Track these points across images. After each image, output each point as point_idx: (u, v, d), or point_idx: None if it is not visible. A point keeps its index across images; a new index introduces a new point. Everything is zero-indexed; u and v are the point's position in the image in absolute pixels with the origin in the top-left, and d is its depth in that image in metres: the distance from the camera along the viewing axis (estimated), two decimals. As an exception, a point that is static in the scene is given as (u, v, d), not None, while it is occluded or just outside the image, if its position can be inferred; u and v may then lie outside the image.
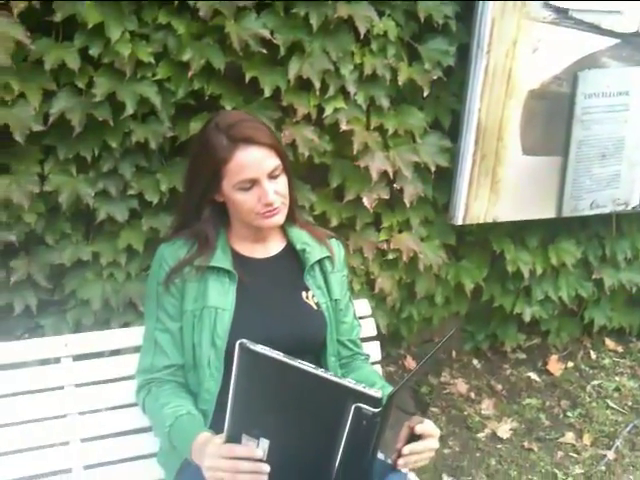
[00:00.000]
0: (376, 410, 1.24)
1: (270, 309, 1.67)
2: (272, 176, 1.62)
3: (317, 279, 1.75)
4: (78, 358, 1.76)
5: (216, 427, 1.54)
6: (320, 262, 1.77)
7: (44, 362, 1.76)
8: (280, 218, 1.66)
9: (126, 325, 2.37)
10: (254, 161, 1.59)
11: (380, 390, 1.27)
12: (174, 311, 1.67)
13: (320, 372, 1.26)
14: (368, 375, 1.77)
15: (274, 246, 1.77)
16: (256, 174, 1.60)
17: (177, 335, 1.67)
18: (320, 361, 1.74)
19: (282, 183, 1.65)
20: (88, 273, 2.35)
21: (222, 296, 1.65)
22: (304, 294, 1.72)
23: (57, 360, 1.74)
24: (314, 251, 1.76)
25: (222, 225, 1.72)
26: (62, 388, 1.72)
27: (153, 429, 1.73)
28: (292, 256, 1.77)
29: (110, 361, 1.79)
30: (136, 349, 1.79)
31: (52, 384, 1.72)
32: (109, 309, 2.36)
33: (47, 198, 2.21)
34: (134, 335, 1.81)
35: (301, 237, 1.78)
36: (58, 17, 2.04)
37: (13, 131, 2.05)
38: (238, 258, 1.71)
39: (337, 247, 1.84)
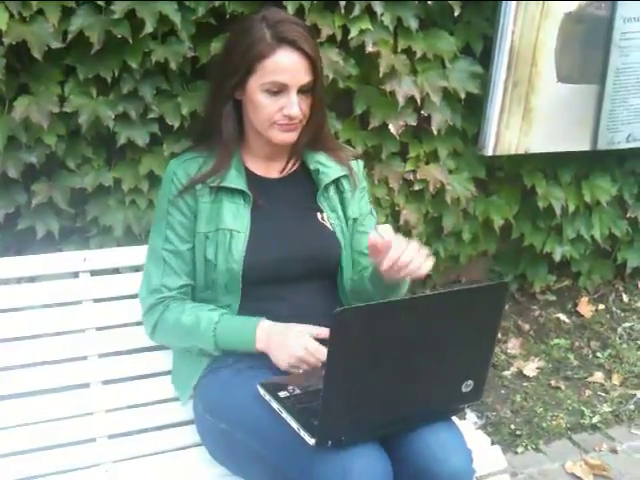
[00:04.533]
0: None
1: (285, 230, 1.63)
2: (302, 90, 1.56)
3: (332, 200, 1.70)
4: (96, 273, 1.73)
5: None
6: (336, 182, 1.71)
7: (62, 277, 1.74)
8: (293, 136, 1.61)
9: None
10: (292, 67, 1.53)
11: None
12: (184, 232, 1.62)
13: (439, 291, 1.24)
14: None
15: (288, 165, 1.71)
16: (290, 81, 1.53)
17: (187, 256, 1.63)
18: (336, 283, 1.70)
19: (307, 102, 1.59)
20: (110, 199, 2.32)
21: (237, 218, 1.60)
22: (319, 215, 1.68)
23: (75, 275, 1.72)
24: (329, 171, 1.69)
25: (236, 143, 1.66)
26: (80, 303, 1.70)
27: (177, 341, 1.66)
28: (307, 176, 1.71)
29: (128, 277, 1.76)
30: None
31: (70, 299, 1.70)
32: (131, 236, 2.33)
33: (67, 120, 2.17)
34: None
35: (316, 157, 1.71)
36: None
37: (31, 47, 2.02)
38: (252, 177, 1.65)
39: (356, 165, 1.77)
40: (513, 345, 2.97)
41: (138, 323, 1.71)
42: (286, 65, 1.52)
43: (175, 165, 1.65)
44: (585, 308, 3.24)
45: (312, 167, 1.69)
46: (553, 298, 3.29)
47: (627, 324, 3.16)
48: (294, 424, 1.29)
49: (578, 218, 3.05)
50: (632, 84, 2.72)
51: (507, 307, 3.21)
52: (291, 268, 1.61)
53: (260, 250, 1.58)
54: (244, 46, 1.54)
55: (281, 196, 1.67)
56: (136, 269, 1.79)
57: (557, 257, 3.09)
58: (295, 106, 1.54)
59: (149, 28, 2.10)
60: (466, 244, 2.94)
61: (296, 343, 1.46)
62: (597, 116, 2.73)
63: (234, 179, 1.61)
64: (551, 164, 2.91)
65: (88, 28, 2.08)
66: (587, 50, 2.60)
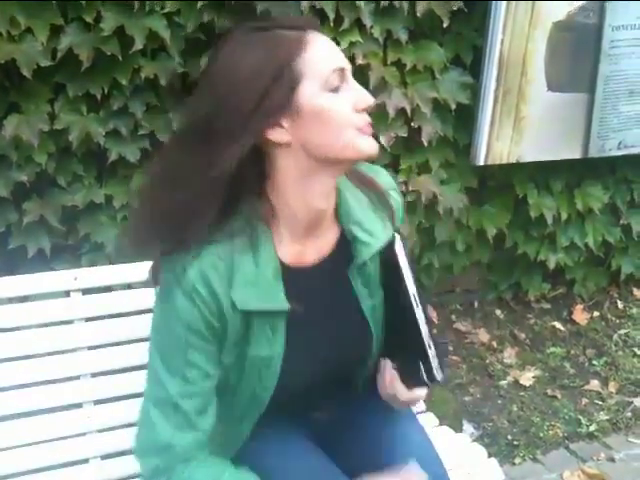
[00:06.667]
0: (428, 384, 1.23)
1: (321, 341, 1.27)
2: None
3: (366, 271, 1.27)
4: (87, 292, 1.72)
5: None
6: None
7: (53, 296, 1.73)
8: (375, 144, 1.17)
9: (140, 269, 2.33)
10: (333, 47, 1.14)
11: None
12: (211, 366, 1.20)
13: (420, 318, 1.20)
14: None
15: (327, 239, 1.25)
16: (344, 62, 1.13)
17: (211, 395, 1.23)
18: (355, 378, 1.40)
19: None
20: (102, 216, 2.31)
21: (272, 343, 1.20)
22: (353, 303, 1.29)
23: (67, 294, 1.70)
24: (371, 240, 1.24)
25: (264, 220, 1.17)
26: (71, 322, 1.69)
27: None
28: (345, 246, 1.26)
29: (120, 295, 1.75)
30: (146, 284, 1.74)
31: (61, 318, 1.68)
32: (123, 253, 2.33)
33: (58, 138, 2.17)
34: (145, 269, 1.76)
35: (352, 212, 1.24)
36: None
37: (20, 66, 2.03)
38: (286, 273, 1.19)
39: (396, 202, 1.34)
40: (509, 354, 2.96)
41: (131, 341, 1.69)
42: (328, 46, 1.13)
43: (195, 276, 1.13)
44: (580, 316, 3.24)
45: (351, 232, 1.24)
46: (548, 306, 3.29)
47: (622, 331, 3.16)
48: None
49: (571, 226, 3.05)
50: (622, 91, 2.72)
51: (503, 316, 3.21)
52: (321, 380, 1.29)
53: (296, 373, 1.24)
54: (264, 60, 1.08)
55: (317, 291, 1.24)
56: (128, 286, 1.78)
57: (551, 265, 3.09)
58: (367, 93, 1.13)
59: (139, 45, 2.11)
60: (460, 254, 2.94)
61: None
62: (588, 124, 2.73)
63: (268, 294, 1.17)
64: (543, 173, 2.91)
65: (77, 46, 2.09)
66: (576, 58, 2.61)
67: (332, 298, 1.27)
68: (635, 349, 3.02)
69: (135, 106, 2.21)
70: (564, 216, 2.97)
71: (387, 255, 1.23)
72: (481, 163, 2.65)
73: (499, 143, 2.62)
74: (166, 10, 2.13)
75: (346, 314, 1.29)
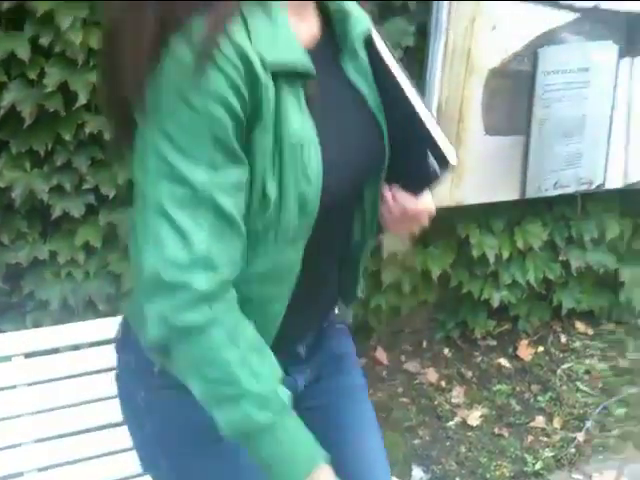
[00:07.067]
0: (439, 175, 1.16)
1: (347, 129, 1.12)
2: None
3: (359, 65, 1.15)
4: (30, 355, 1.70)
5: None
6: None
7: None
8: None
9: (86, 324, 2.31)
10: None
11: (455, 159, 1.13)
12: (239, 153, 0.98)
13: (420, 107, 1.14)
14: None
15: (313, 22, 1.12)
16: None
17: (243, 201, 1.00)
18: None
19: None
20: (46, 272, 2.30)
21: (304, 119, 1.02)
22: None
23: (7, 358, 1.68)
24: (353, 20, 1.14)
25: None
26: (14, 387, 1.66)
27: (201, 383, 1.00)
28: (331, 36, 1.15)
29: (65, 357, 1.73)
30: (93, 344, 1.73)
31: (3, 384, 1.66)
32: (68, 310, 2.31)
33: (1, 195, 2.16)
34: (90, 329, 1.75)
35: None
36: (5, 6, 2.00)
37: (-39, 124, 2.01)
38: None
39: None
40: (457, 393, 3.00)
41: (75, 405, 1.67)
42: None
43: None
44: (525, 351, 3.31)
45: (336, 10, 1.13)
46: (494, 343, 3.35)
47: (566, 365, 3.23)
48: None
49: (513, 264, 3.13)
50: (555, 133, 2.81)
51: (450, 355, 3.26)
52: (355, 183, 1.15)
53: (336, 165, 1.06)
54: None
55: (323, 80, 1.07)
56: (75, 347, 1.76)
57: (495, 303, 3.16)
58: None
59: (82, 100, 2.12)
60: (407, 295, 2.99)
61: None
62: (524, 166, 2.82)
63: (290, 47, 1.01)
64: (484, 213, 2.99)
65: (20, 102, 2.09)
66: (512, 103, 2.70)
67: (339, 89, 1.14)
68: (578, 383, 3.10)
69: (79, 161, 2.21)
70: (505, 254, 3.04)
71: (370, 51, 1.16)
72: (423, 207, 2.71)
73: (439, 187, 2.67)
74: (109, 66, 2.14)
75: (357, 108, 1.15)
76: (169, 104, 0.94)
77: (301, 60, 1.01)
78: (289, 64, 0.99)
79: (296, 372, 1.26)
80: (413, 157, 1.17)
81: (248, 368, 0.97)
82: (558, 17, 2.65)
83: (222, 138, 0.95)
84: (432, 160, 1.14)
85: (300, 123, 1.01)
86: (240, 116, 0.95)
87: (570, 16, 2.67)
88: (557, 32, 2.66)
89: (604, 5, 2.69)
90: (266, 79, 0.96)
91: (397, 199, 1.21)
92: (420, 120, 1.14)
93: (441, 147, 1.13)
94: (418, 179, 1.20)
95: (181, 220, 0.94)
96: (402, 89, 1.14)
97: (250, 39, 0.95)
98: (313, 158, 1.01)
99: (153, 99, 0.95)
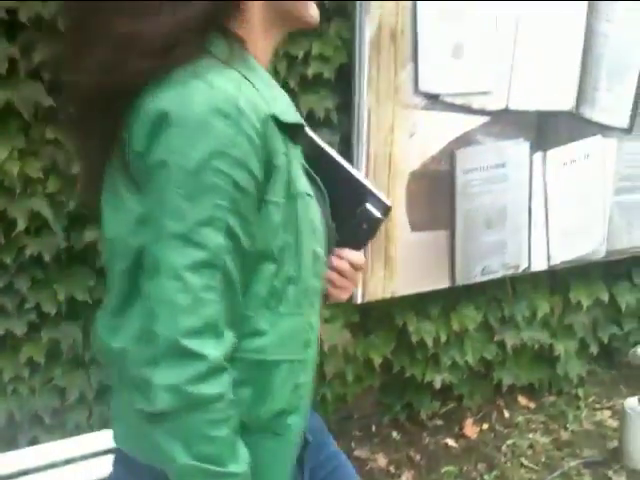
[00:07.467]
0: (381, 216, 1.27)
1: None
2: None
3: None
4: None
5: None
6: None
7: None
8: None
9: (34, 441, 2.34)
10: None
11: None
12: (252, 224, 0.99)
13: (348, 166, 1.27)
14: None
15: None
16: None
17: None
18: None
19: None
20: (-9, 389, 2.33)
21: (302, 170, 1.08)
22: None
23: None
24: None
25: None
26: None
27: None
28: None
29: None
30: (46, 467, 1.77)
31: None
32: (13, 425, 2.34)
33: (-58, 319, 2.21)
34: (41, 453, 1.80)
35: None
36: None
37: None
38: None
39: None
40: (407, 478, 3.07)
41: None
42: None
43: (234, 91, 0.94)
44: (471, 430, 3.40)
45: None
46: (441, 423, 3.44)
47: (510, 441, 3.33)
48: None
49: (451, 346, 3.26)
50: (479, 225, 2.99)
51: (399, 437, 3.33)
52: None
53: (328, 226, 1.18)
54: None
55: None
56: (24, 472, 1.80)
57: (437, 385, 3.27)
58: None
59: (22, 226, 2.20)
60: (351, 384, 3.09)
61: None
62: (452, 256, 2.98)
63: (289, 104, 1.06)
64: (420, 301, 3.12)
65: (-41, 232, 2.16)
66: (435, 201, 2.87)
67: None
68: (522, 459, 3.19)
69: (20, 283, 2.28)
70: (443, 338, 3.17)
71: None
72: (359, 301, 2.84)
73: (373, 282, 2.82)
74: (48, 191, 2.24)
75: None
76: (188, 165, 0.92)
77: (300, 118, 1.05)
78: (298, 122, 1.04)
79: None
80: (351, 210, 1.27)
81: (234, 448, 0.97)
82: (471, 121, 2.86)
83: (239, 208, 0.95)
84: (371, 207, 1.26)
85: (304, 181, 1.06)
86: (258, 179, 0.96)
87: (483, 119, 2.88)
88: (471, 134, 2.87)
89: (513, 107, 2.91)
90: (276, 138, 0.98)
91: (342, 256, 1.27)
92: (352, 176, 1.28)
93: (376, 194, 1.27)
94: (358, 230, 1.29)
95: (195, 284, 0.92)
96: (331, 155, 1.28)
97: (264, 99, 0.97)
98: (316, 210, 1.09)
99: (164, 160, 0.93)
